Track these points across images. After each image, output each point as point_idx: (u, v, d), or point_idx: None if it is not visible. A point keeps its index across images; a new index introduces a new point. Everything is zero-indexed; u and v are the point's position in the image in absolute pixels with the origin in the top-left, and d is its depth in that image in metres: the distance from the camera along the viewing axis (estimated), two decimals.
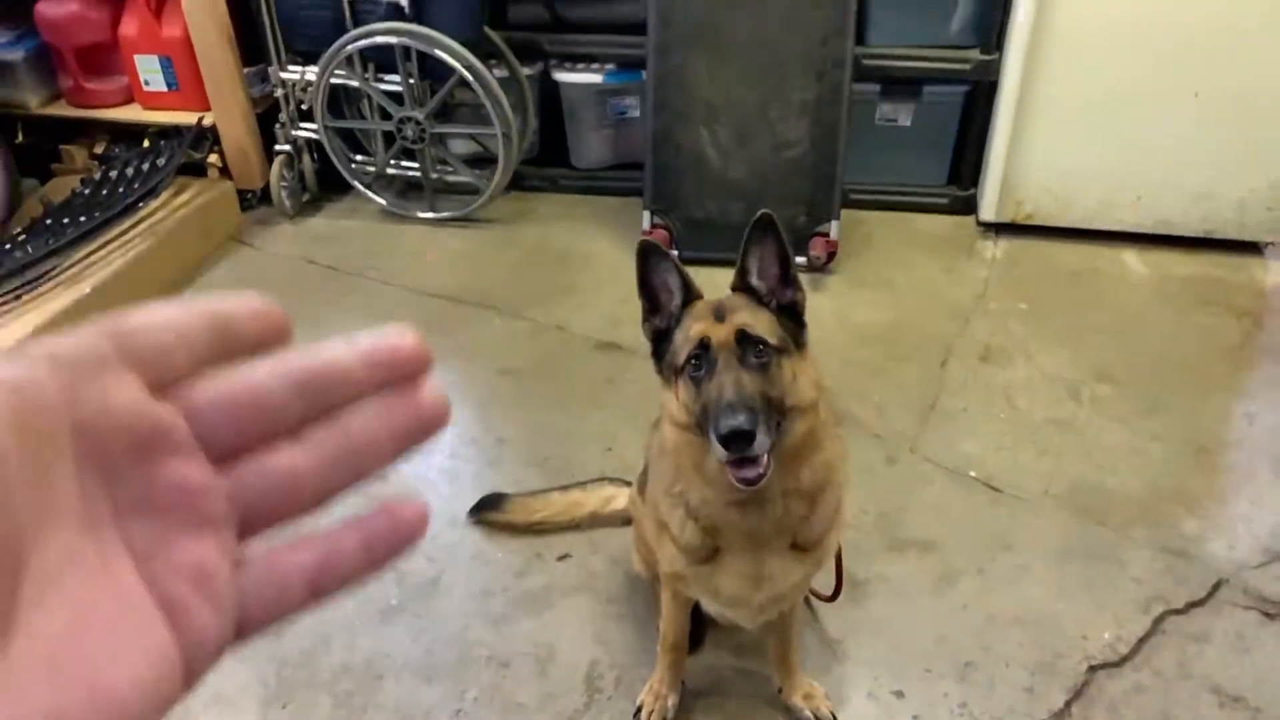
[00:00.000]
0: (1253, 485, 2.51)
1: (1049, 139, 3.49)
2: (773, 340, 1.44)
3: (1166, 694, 1.96)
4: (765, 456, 1.39)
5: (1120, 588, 2.20)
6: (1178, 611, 2.14)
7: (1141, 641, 2.08)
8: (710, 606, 1.85)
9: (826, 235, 3.42)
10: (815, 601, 2.12)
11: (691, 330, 1.46)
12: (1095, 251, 3.58)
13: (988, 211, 3.67)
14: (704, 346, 1.43)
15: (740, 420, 1.34)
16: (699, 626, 2.04)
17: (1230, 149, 3.38)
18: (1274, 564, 2.26)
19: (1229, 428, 2.77)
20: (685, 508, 1.58)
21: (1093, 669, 2.02)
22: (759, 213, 1.49)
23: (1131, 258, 3.55)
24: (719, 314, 1.46)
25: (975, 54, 3.54)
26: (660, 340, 1.54)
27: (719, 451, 1.38)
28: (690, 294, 1.52)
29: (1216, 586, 2.20)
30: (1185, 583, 2.21)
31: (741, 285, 1.52)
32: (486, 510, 2.38)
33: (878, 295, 3.35)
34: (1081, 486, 2.50)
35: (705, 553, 1.61)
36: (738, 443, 1.35)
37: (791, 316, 1.51)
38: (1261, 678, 1.98)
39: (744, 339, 1.43)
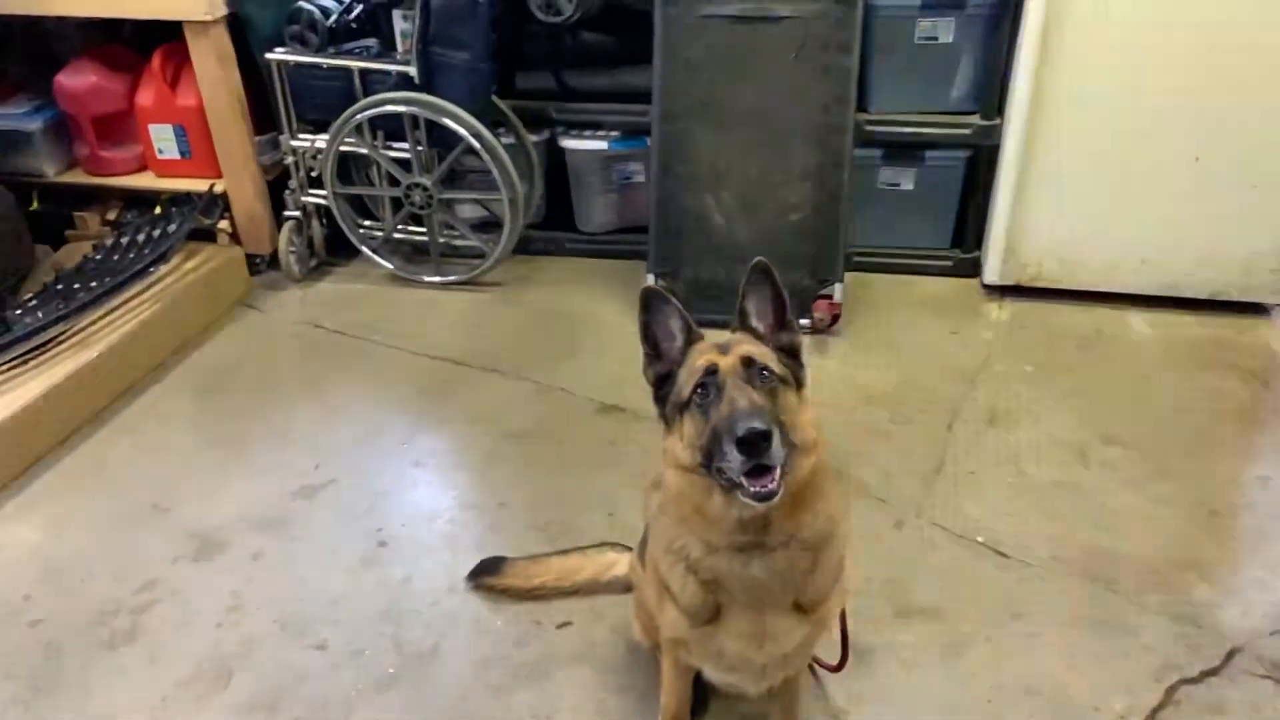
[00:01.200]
0: (1266, 550, 2.47)
1: (1052, 202, 3.51)
2: (776, 369, 1.50)
3: None
4: (778, 470, 1.40)
5: (1132, 656, 2.15)
6: (1192, 681, 2.09)
7: (1155, 712, 2.02)
8: (713, 674, 1.81)
9: (830, 297, 3.43)
10: (821, 671, 2.07)
11: (697, 363, 1.50)
12: (1101, 314, 3.57)
13: (992, 274, 3.68)
14: (711, 373, 1.47)
15: (756, 423, 1.36)
16: (701, 697, 2.00)
17: (1233, 211, 3.39)
18: None
19: (1240, 491, 2.73)
20: (686, 562, 1.56)
21: None
22: (754, 260, 1.56)
23: (1138, 320, 3.54)
24: (723, 348, 1.51)
25: (976, 120, 3.58)
26: (662, 384, 1.57)
27: (735, 461, 1.37)
28: (692, 336, 1.57)
29: (1230, 655, 2.15)
30: (1198, 651, 2.16)
31: (741, 325, 1.58)
32: (484, 575, 2.36)
33: (883, 357, 3.35)
34: (1091, 551, 2.46)
35: (707, 612, 1.59)
36: (755, 445, 1.36)
37: (791, 357, 1.56)
38: None
39: (750, 364, 1.48)
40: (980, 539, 2.51)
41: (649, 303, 1.57)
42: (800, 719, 1.94)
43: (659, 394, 1.58)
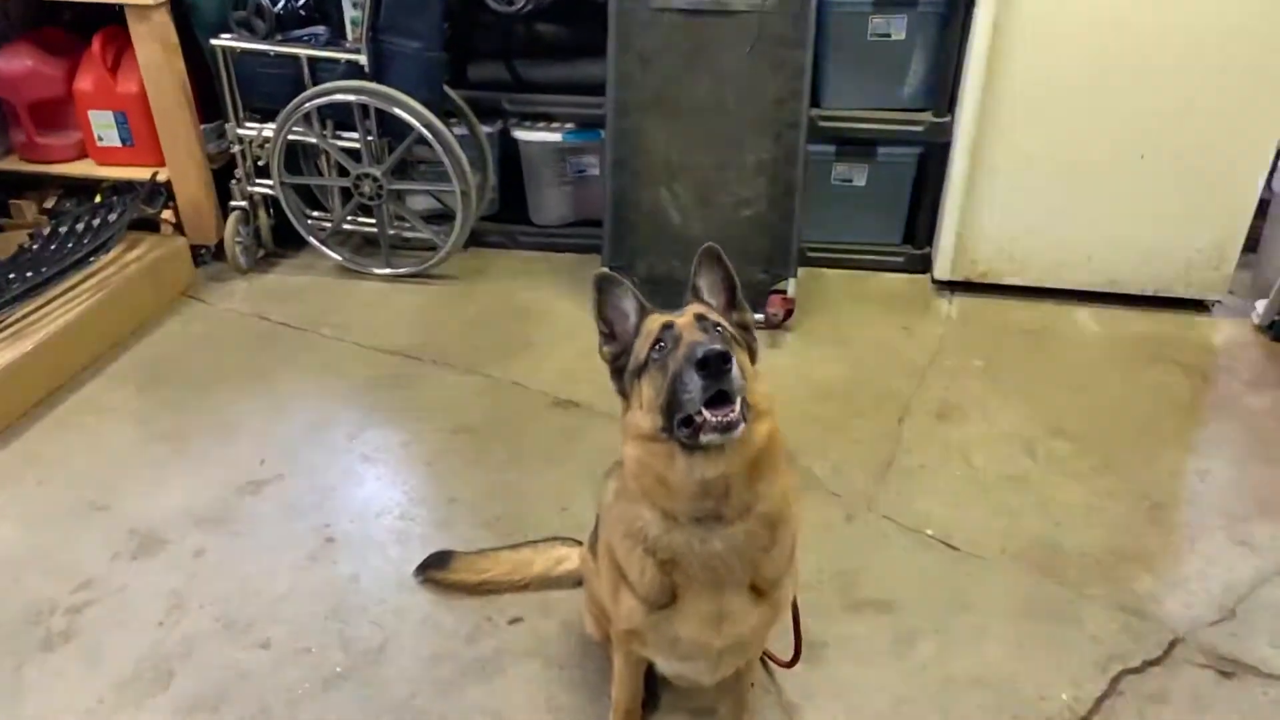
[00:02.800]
0: (1207, 542, 2.52)
1: (1001, 199, 3.56)
2: (730, 329, 1.54)
3: None
4: (739, 401, 1.40)
5: (1078, 647, 2.18)
6: (1135, 671, 2.12)
7: (1100, 702, 2.05)
8: (666, 665, 1.80)
9: (784, 293, 3.44)
10: (773, 666, 2.08)
11: (652, 327, 1.53)
12: (1049, 309, 3.63)
13: (943, 270, 3.71)
14: (667, 328, 1.50)
15: (715, 345, 1.38)
16: (652, 691, 1.99)
17: (1176, 209, 3.46)
18: (1229, 621, 2.25)
19: (1182, 484, 2.78)
20: (644, 543, 1.55)
21: None
22: (704, 245, 1.61)
23: (1084, 315, 3.60)
24: (678, 313, 1.55)
25: (928, 116, 3.61)
26: (617, 359, 1.59)
27: (695, 390, 1.38)
28: (645, 313, 1.59)
29: (1173, 645, 2.19)
30: (1142, 641, 2.20)
31: (695, 299, 1.62)
32: (433, 569, 2.33)
33: (835, 352, 3.36)
34: (1038, 544, 2.49)
35: (664, 596, 1.58)
36: (715, 366, 1.37)
37: (743, 332, 1.60)
38: None
39: (703, 319, 1.52)
40: (930, 532, 2.53)
41: (602, 285, 1.60)
42: (751, 712, 1.94)
43: (615, 367, 1.59)
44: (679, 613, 1.59)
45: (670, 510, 1.51)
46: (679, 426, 1.43)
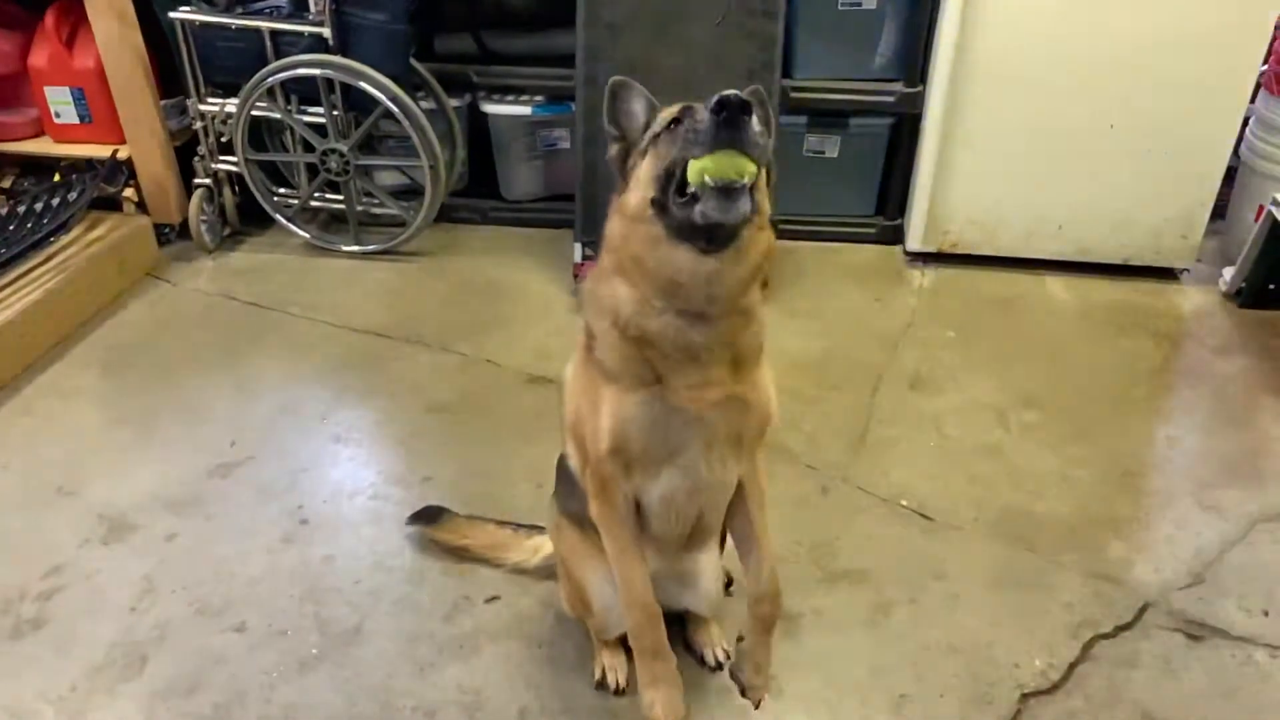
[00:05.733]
0: (1176, 508, 2.55)
1: (973, 170, 3.56)
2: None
3: None
4: (749, 192, 1.31)
5: (1051, 614, 2.21)
6: (1107, 636, 2.15)
7: (1072, 667, 2.08)
8: (653, 497, 1.64)
9: None
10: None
11: (669, 111, 1.44)
12: (1020, 279, 3.65)
13: (914, 241, 3.72)
14: (687, 109, 1.38)
15: (735, 91, 1.27)
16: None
17: (1145, 179, 3.48)
18: (1198, 586, 2.29)
19: (1152, 451, 2.82)
20: (617, 322, 1.48)
21: (1025, 697, 2.01)
22: (750, 89, 1.41)
23: (1055, 285, 3.62)
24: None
25: (899, 87, 3.60)
26: (626, 159, 1.52)
27: (707, 134, 1.28)
28: (654, 110, 1.52)
29: (1143, 610, 2.22)
30: (1113, 607, 2.22)
31: None
32: (423, 521, 2.35)
33: (809, 324, 3.36)
34: (1011, 513, 2.51)
35: (646, 375, 1.50)
36: (732, 110, 1.26)
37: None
38: (1189, 702, 2.00)
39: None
40: (904, 503, 2.54)
41: (616, 92, 1.54)
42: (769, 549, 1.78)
43: (622, 161, 1.53)
44: (665, 387, 1.50)
45: (647, 297, 1.44)
46: (674, 196, 1.35)
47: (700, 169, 1.30)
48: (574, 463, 1.74)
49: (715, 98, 1.28)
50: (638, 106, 1.54)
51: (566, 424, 1.72)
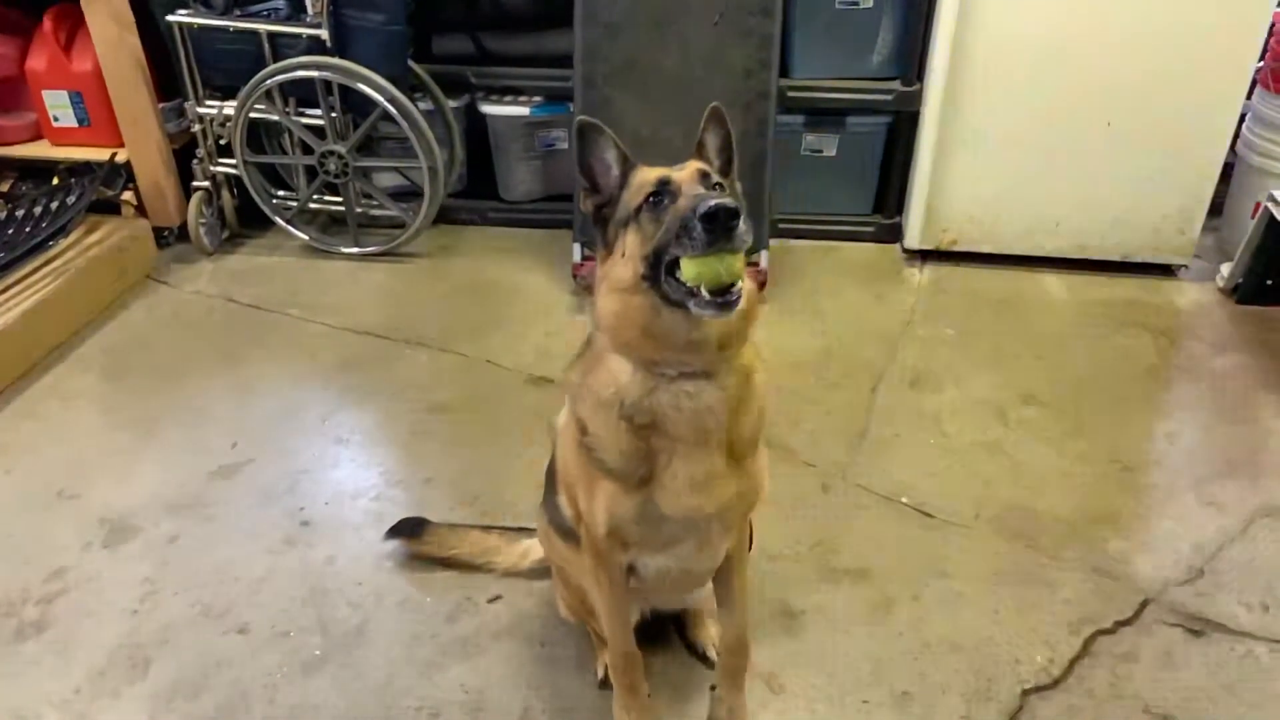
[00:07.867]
0: (1175, 503, 2.56)
1: (970, 167, 3.57)
2: (732, 191, 1.48)
3: (1098, 715, 1.97)
4: (739, 283, 1.34)
5: (1051, 610, 2.22)
6: (1107, 632, 2.16)
7: (1073, 663, 2.08)
8: (652, 564, 1.68)
9: (756, 264, 3.44)
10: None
11: (648, 178, 1.45)
12: (1018, 276, 3.65)
13: (913, 239, 3.73)
14: (664, 183, 1.42)
15: (727, 200, 1.30)
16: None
17: (1142, 176, 3.49)
18: (1198, 580, 2.29)
19: (1151, 447, 2.82)
20: (620, 409, 1.48)
21: (1026, 693, 2.01)
22: (711, 105, 1.53)
23: (1053, 282, 3.63)
24: (676, 168, 1.47)
25: (897, 85, 3.61)
26: (600, 211, 1.52)
27: (699, 240, 1.30)
28: (628, 164, 1.52)
29: (1143, 605, 2.22)
30: (1113, 602, 2.23)
31: (698, 156, 1.54)
32: (403, 535, 2.33)
33: (808, 323, 3.37)
34: (1012, 509, 2.52)
35: (642, 467, 1.51)
36: (723, 220, 1.29)
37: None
38: (1189, 696, 2.00)
39: (705, 176, 1.45)
40: (905, 500, 2.55)
41: (584, 133, 1.52)
42: (744, 630, 1.87)
43: (599, 218, 1.52)
44: (661, 487, 1.52)
45: (655, 361, 1.45)
46: (665, 276, 1.37)
47: (696, 275, 1.33)
48: (568, 511, 1.77)
49: (704, 208, 1.29)
50: (610, 156, 1.52)
51: (559, 474, 1.76)
